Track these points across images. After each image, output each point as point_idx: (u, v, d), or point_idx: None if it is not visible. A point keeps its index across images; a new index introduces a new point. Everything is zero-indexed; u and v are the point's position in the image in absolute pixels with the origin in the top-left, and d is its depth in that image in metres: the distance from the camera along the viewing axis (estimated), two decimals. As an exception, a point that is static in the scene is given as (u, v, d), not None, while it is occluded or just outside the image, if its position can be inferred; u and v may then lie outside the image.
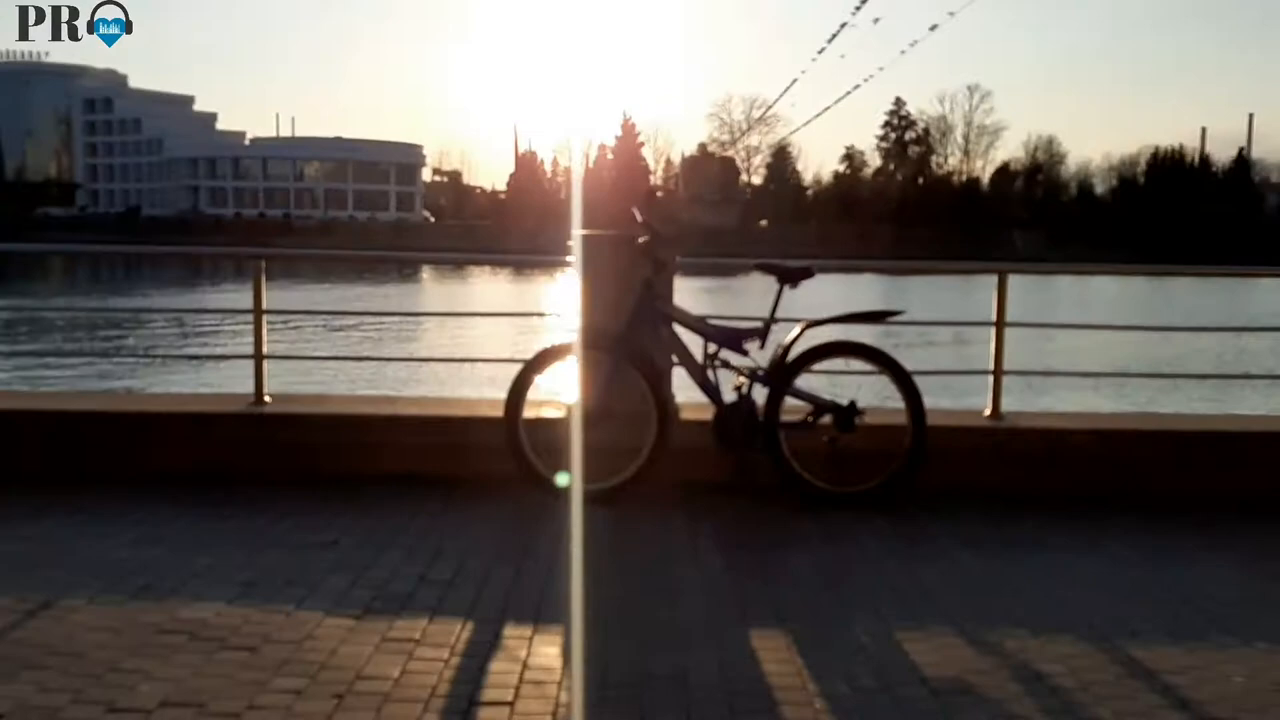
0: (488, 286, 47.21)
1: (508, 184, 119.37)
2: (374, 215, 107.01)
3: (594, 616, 3.64)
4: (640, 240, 5.32)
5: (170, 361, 19.85)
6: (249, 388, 5.91)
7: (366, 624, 3.53)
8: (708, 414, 5.31)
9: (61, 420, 5.64)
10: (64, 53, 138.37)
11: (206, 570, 4.03)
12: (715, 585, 4.06)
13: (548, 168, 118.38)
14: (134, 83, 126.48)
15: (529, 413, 5.26)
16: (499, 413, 5.22)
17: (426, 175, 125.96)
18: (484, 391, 7.28)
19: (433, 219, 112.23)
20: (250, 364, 5.91)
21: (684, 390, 5.45)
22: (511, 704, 2.98)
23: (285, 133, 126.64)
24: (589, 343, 5.30)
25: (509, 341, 17.73)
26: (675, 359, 5.38)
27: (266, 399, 5.84)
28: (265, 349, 5.88)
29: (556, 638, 3.46)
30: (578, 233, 5.55)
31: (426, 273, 56.99)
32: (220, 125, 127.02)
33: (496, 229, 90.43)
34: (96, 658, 3.18)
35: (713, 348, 5.27)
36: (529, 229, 76.70)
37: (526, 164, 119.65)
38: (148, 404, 6.19)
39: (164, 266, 52.59)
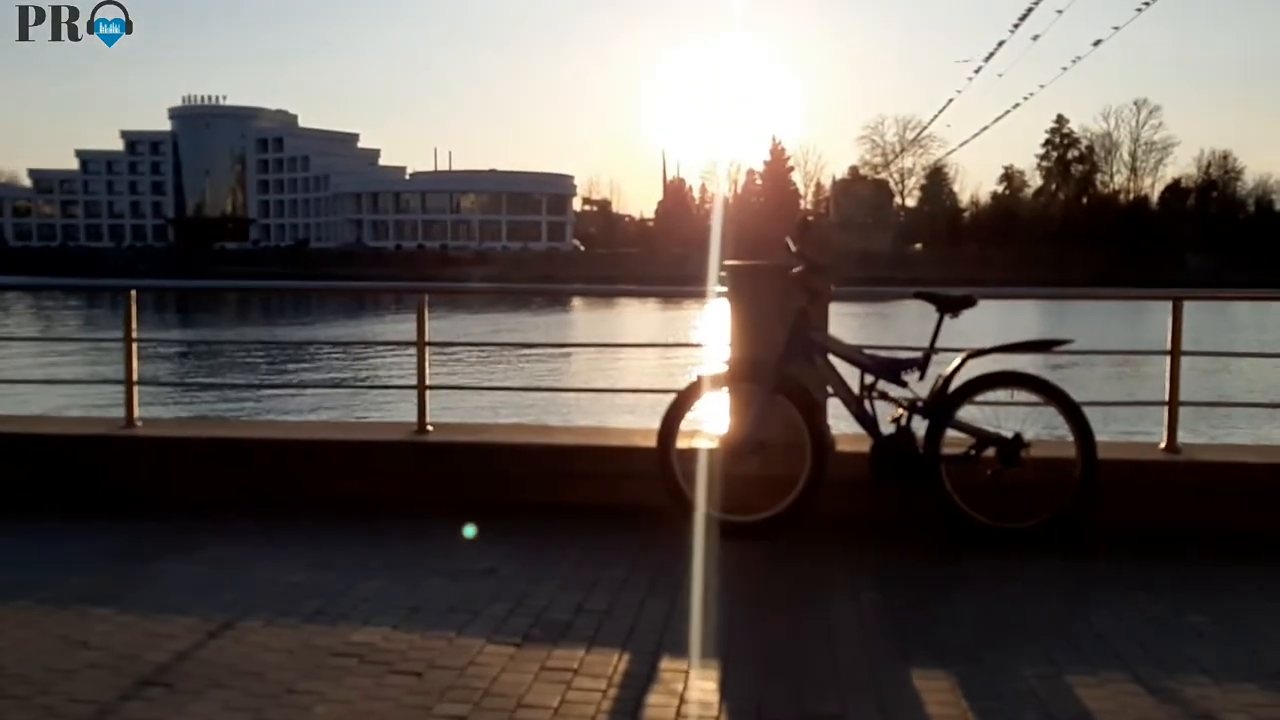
0: (636, 315, 47.74)
1: (656, 211, 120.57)
2: (526, 245, 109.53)
3: (749, 653, 3.63)
4: (795, 270, 5.29)
5: (336, 390, 20.72)
6: (409, 416, 6.12)
7: (526, 652, 3.60)
8: (865, 446, 5.23)
9: (235, 447, 5.96)
10: (241, 95, 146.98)
11: (374, 595, 4.18)
12: (873, 624, 3.99)
13: (696, 194, 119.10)
14: (303, 122, 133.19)
15: (682, 443, 5.28)
16: (653, 442, 5.26)
17: (577, 205, 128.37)
18: (637, 421, 7.34)
19: (582, 248, 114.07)
20: (413, 394, 6.13)
21: (840, 422, 5.39)
22: (670, 738, 2.99)
23: (443, 166, 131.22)
24: (742, 374, 5.30)
25: (658, 371, 17.89)
26: (830, 390, 5.32)
27: (429, 428, 6.04)
28: (427, 380, 6.09)
29: (713, 673, 3.46)
30: (728, 262, 5.58)
31: (577, 302, 57.92)
32: (382, 161, 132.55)
33: (644, 256, 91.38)
34: (274, 678, 3.34)
35: (869, 378, 5.19)
36: (676, 256, 77.19)
37: (674, 191, 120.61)
38: (315, 432, 6.47)
39: (331, 299, 55.10)
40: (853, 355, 5.28)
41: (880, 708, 3.20)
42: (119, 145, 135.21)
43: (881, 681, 3.40)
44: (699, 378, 5.32)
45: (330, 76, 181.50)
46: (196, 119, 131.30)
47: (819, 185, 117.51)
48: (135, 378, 6.27)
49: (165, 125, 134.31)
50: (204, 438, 6.22)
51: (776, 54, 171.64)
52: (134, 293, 6.27)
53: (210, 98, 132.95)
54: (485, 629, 3.80)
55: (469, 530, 5.02)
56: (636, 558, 4.73)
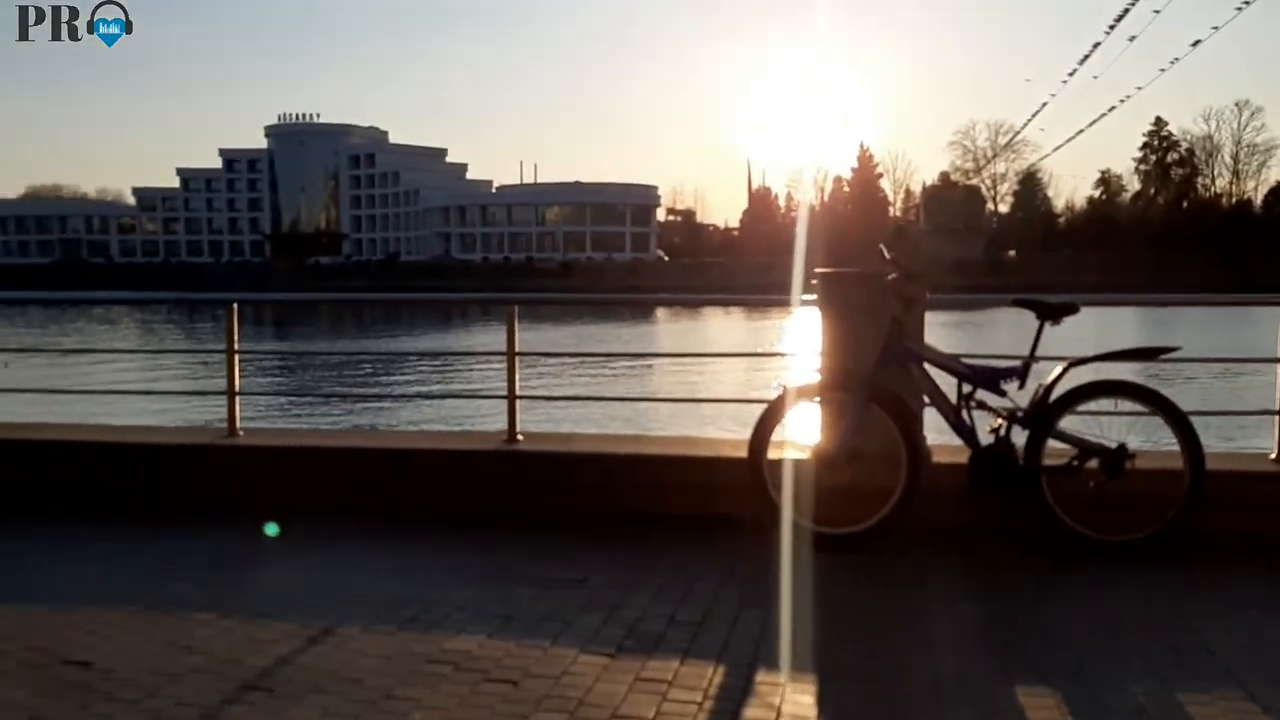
0: (721, 325, 47.62)
1: (741, 220, 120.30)
2: (610, 256, 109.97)
3: (846, 667, 3.58)
4: (889, 278, 5.22)
5: (427, 400, 21.04)
6: (497, 425, 6.18)
7: (620, 662, 3.59)
8: (962, 457, 5.12)
9: (331, 456, 6.08)
10: (333, 113, 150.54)
11: (467, 603, 4.21)
12: (973, 638, 3.90)
13: (781, 202, 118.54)
14: (393, 138, 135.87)
15: (774, 453, 5.23)
16: (743, 453, 5.22)
17: (661, 215, 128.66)
18: (723, 432, 7.31)
19: (666, 258, 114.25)
20: (502, 404, 6.18)
21: (936, 432, 5.30)
22: (766, 752, 2.95)
23: (529, 179, 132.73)
24: (835, 383, 5.24)
25: (743, 382, 17.79)
26: (927, 399, 5.23)
27: (519, 437, 6.08)
28: (517, 389, 6.13)
29: (810, 687, 3.41)
30: (820, 270, 5.52)
31: (661, 312, 57.98)
32: (469, 175, 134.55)
33: (729, 266, 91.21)
34: (373, 684, 3.39)
35: (967, 387, 5.09)
36: (761, 265, 76.87)
37: (760, 199, 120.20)
38: (407, 441, 6.58)
39: (419, 310, 56.05)
40: (950, 364, 5.18)
41: (983, 724, 3.12)
42: (218, 163, 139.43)
43: (982, 696, 3.32)
44: (790, 388, 5.28)
45: (419, 92, 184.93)
46: (291, 137, 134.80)
47: (908, 192, 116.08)
48: (237, 388, 6.43)
49: (262, 143, 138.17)
50: (301, 447, 6.35)
51: (864, 60, 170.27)
52: (236, 306, 6.44)
53: (304, 116, 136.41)
54: (579, 639, 3.81)
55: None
56: (728, 569, 4.69)
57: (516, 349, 6.12)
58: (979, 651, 3.74)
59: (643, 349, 35.99)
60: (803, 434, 5.43)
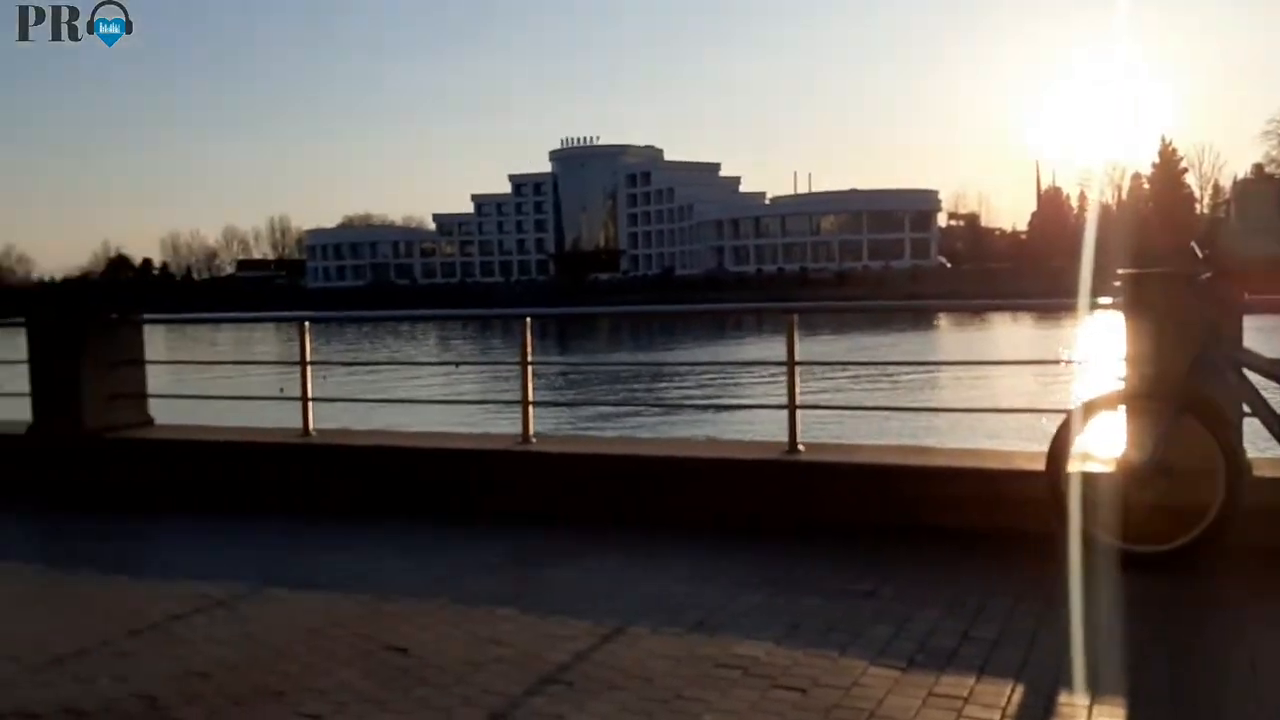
0: (1007, 332, 45.47)
1: (1030, 223, 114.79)
2: (888, 264, 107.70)
3: (1157, 690, 3.34)
4: (1202, 278, 4.83)
5: (706, 409, 21.35)
6: (775, 436, 6.19)
7: (912, 676, 3.51)
8: (1287, 471, 4.68)
9: (618, 463, 6.28)
10: (613, 134, 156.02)
11: (753, 610, 4.25)
12: (1309, 670, 3.53)
13: (1074, 203, 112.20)
14: (668, 155, 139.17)
15: (1074, 466, 4.95)
16: (1037, 465, 4.98)
17: (942, 220, 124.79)
18: (1012, 443, 6.99)
19: (948, 264, 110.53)
20: (782, 414, 6.19)
21: (1255, 444, 4.86)
22: (1072, 778, 2.80)
23: (803, 189, 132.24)
24: (1144, 391, 4.91)
25: (1032, 392, 16.92)
26: (1247, 409, 4.80)
27: (800, 448, 6.06)
28: (797, 399, 6.12)
29: (1118, 711, 3.21)
30: (1123, 271, 5.19)
31: (943, 320, 56.04)
32: (742, 188, 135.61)
33: (1016, 271, 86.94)
34: (663, 684, 3.48)
35: (1293, 395, 4.64)
36: (1053, 270, 72.82)
37: (1050, 201, 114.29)
38: (692, 450, 6.70)
39: (694, 322, 57.00)
40: (1273, 369, 4.74)
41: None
42: (508, 188, 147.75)
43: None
44: (1093, 396, 4.98)
45: (691, 109, 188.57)
46: (573, 160, 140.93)
47: (1217, 187, 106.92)
48: (531, 397, 6.78)
49: (547, 167, 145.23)
50: (589, 454, 6.61)
51: (1162, 49, 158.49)
52: (529, 320, 6.80)
53: (585, 139, 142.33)
54: (868, 650, 3.75)
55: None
56: (1025, 586, 4.48)
57: (796, 358, 6.12)
58: (1315, 686, 3.38)
59: (924, 358, 34.81)
60: (1106, 446, 5.12)
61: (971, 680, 3.46)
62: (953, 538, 5.16)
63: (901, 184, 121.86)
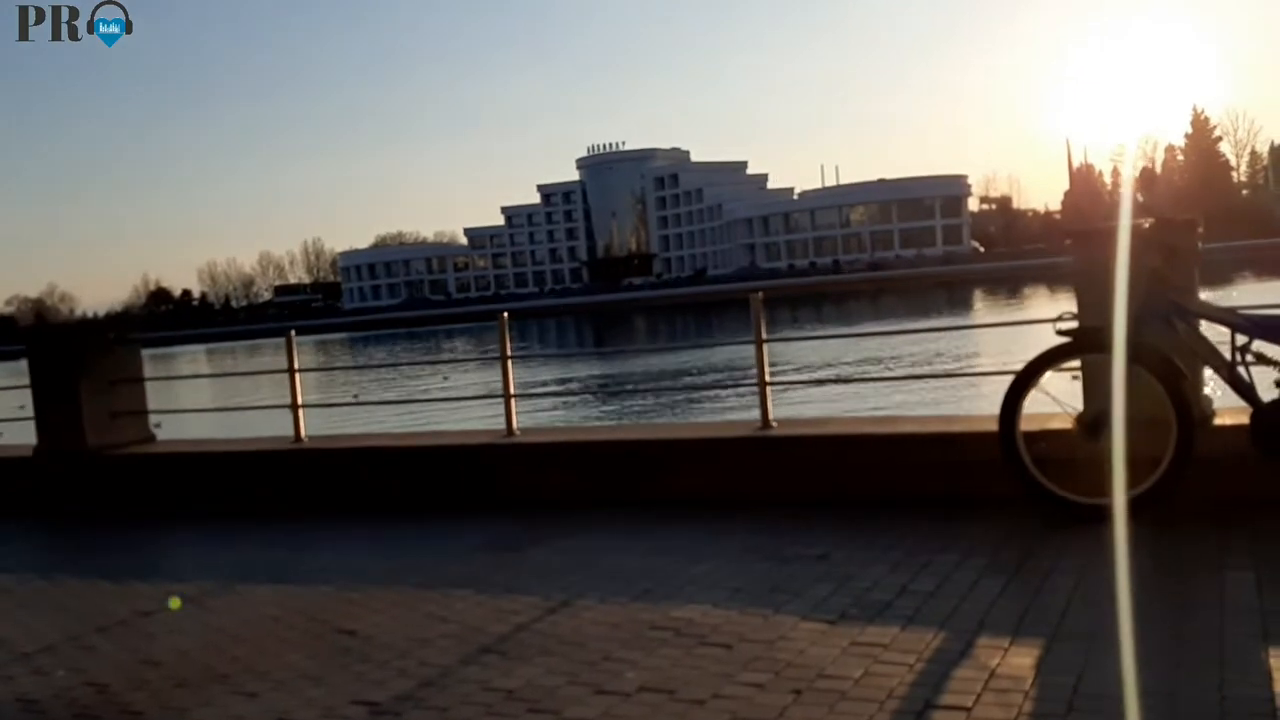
0: (1043, 310, 44.91)
1: (1062, 203, 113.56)
2: (921, 252, 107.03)
3: (1081, 631, 3.39)
4: (1145, 225, 4.85)
5: (687, 391, 21.42)
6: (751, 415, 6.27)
7: (839, 629, 3.58)
8: (1244, 418, 4.68)
9: (595, 451, 6.39)
10: (639, 139, 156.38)
11: (701, 577, 4.34)
12: (1235, 605, 3.55)
13: (1107, 179, 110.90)
14: (695, 156, 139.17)
15: (1029, 425, 4.98)
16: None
17: (973, 205, 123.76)
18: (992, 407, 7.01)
19: (982, 249, 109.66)
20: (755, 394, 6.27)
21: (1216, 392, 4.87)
22: (969, 709, 2.86)
23: (830, 182, 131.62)
24: (1089, 344, 4.92)
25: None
26: (1200, 358, 4.81)
27: (772, 424, 6.13)
28: (767, 376, 6.19)
29: (1034, 650, 3.26)
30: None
31: (980, 302, 55.50)
32: (770, 184, 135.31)
33: (1051, 252, 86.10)
34: (595, 648, 3.57)
35: (1242, 339, 4.64)
36: (1086, 248, 71.88)
37: (1082, 178, 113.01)
38: (663, 432, 6.80)
39: (728, 316, 56.99)
40: (1222, 315, 4.75)
41: (1220, 684, 2.86)
42: (536, 198, 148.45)
43: (1230, 661, 3.04)
44: (1041, 354, 5.01)
45: (716, 109, 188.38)
46: (601, 166, 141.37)
47: (1254, 154, 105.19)
48: (512, 391, 6.90)
49: (574, 175, 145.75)
50: (569, 443, 6.72)
51: (1188, 17, 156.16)
52: (505, 315, 6.93)
53: (610, 145, 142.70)
54: (803, 608, 3.83)
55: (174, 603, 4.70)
56: (976, 544, 4.53)
57: (764, 337, 6.19)
58: (1238, 617, 3.41)
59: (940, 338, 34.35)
60: (1058, 402, 5.14)
61: (896, 629, 3.53)
62: (918, 503, 5.21)
63: (930, 171, 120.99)
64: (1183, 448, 4.65)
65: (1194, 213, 5.44)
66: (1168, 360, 4.76)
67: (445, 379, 28.48)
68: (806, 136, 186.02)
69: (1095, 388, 4.90)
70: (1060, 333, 4.92)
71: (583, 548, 5.09)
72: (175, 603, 4.56)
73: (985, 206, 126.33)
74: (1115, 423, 4.67)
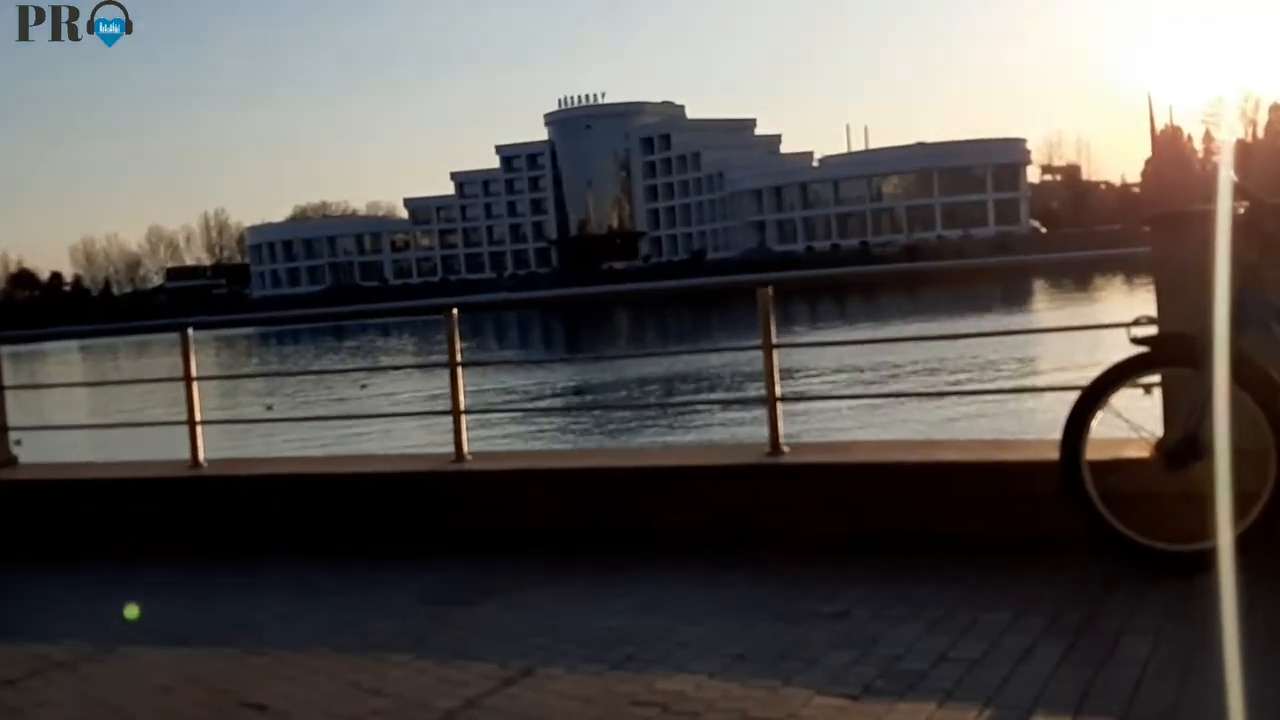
0: (1122, 306, 45.12)
1: (1143, 172, 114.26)
2: (968, 232, 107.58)
3: (1159, 709, 3.43)
4: (1239, 211, 4.90)
5: (681, 410, 21.52)
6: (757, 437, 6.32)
7: (863, 705, 3.62)
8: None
9: (563, 479, 6.43)
10: (621, 91, 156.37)
11: (695, 640, 4.38)
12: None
13: (1198, 144, 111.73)
14: (691, 113, 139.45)
15: (1097, 453, 5.03)
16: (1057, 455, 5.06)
17: (1034, 175, 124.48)
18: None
19: (1044, 229, 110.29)
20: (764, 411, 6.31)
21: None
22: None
23: (858, 146, 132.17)
24: (1170, 355, 4.97)
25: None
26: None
27: (784, 448, 6.17)
28: (778, 390, 6.23)
29: (1100, 732, 3.30)
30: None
31: (1041, 296, 55.69)
32: (784, 148, 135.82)
33: (1126, 236, 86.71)
34: (561, 728, 3.60)
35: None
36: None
37: (1167, 143, 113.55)
38: (644, 459, 6.85)
39: (729, 312, 57.16)
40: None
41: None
42: (494, 162, 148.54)
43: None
44: (1113, 365, 5.06)
45: (718, 54, 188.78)
46: (575, 123, 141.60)
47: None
48: (462, 406, 6.92)
49: (542, 135, 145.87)
50: (536, 470, 6.77)
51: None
52: (455, 311, 6.96)
53: (587, 98, 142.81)
54: (819, 679, 3.86)
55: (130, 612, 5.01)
56: (1033, 597, 4.58)
57: (775, 340, 6.23)
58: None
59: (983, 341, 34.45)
60: (1134, 426, 5.19)
61: (933, 707, 3.56)
62: (960, 545, 5.26)
63: (981, 134, 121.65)
64: (1285, 483, 4.70)
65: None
66: (1267, 376, 4.81)
67: (364, 387, 28.71)
68: (830, 90, 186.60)
69: (1178, 408, 4.95)
70: (1136, 340, 4.97)
71: (548, 602, 5.12)
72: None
73: (1048, 177, 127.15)
74: (1218, 452, 4.72)
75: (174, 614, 5.45)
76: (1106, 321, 5.50)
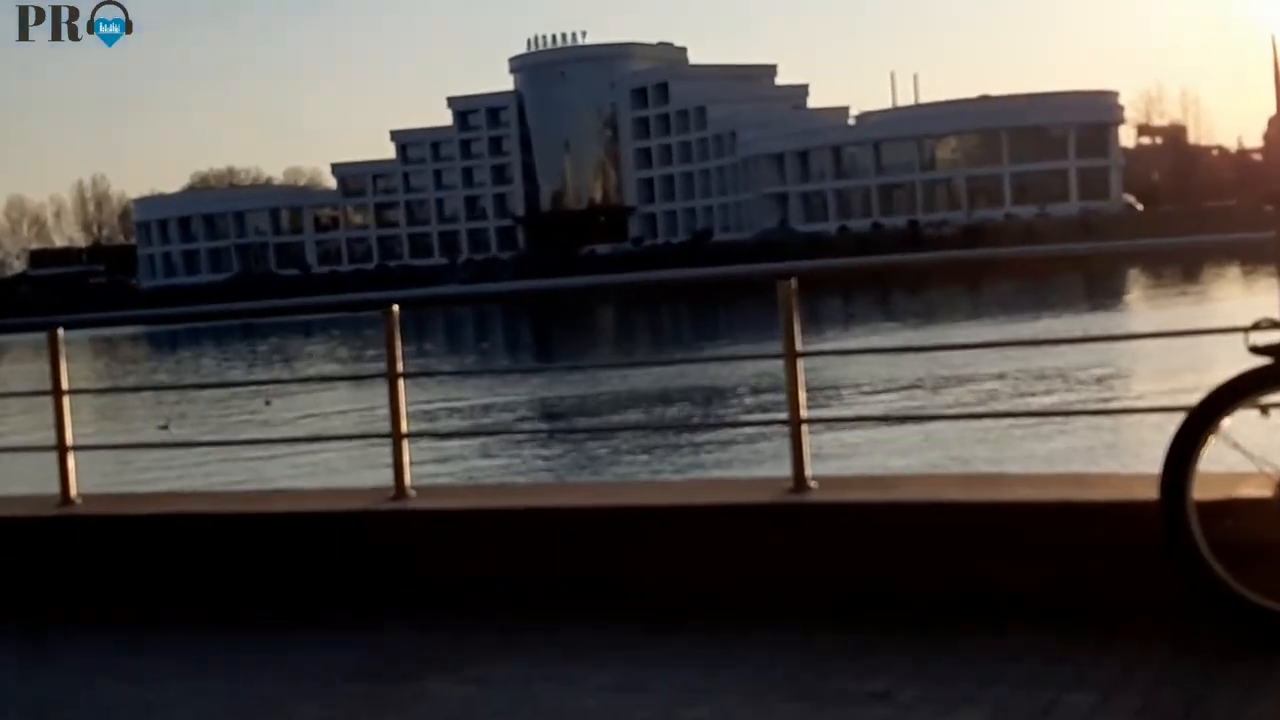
0: (1236, 300, 45.25)
1: (1265, 135, 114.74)
2: (1044, 210, 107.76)
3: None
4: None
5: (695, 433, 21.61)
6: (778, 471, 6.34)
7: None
8: None
9: (528, 520, 6.43)
10: (606, 30, 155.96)
11: (699, 727, 4.39)
12: None
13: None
14: (694, 57, 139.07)
15: (1206, 492, 5.05)
16: (1154, 493, 5.08)
17: (1128, 138, 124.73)
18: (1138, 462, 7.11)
19: (1140, 206, 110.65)
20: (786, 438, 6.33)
21: None
22: None
23: (905, 100, 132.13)
24: (1297, 371, 5.00)
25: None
26: None
27: (810, 483, 6.18)
28: (804, 409, 6.25)
29: None
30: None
31: (1136, 292, 55.72)
32: (812, 102, 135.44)
33: (1241, 218, 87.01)
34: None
35: None
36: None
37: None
38: (636, 497, 6.86)
39: (749, 312, 57.27)
40: None
41: None
42: (446, 118, 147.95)
43: None
44: (1227, 381, 5.09)
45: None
46: (548, 70, 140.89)
47: None
48: (404, 429, 6.93)
49: (507, 84, 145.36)
50: (497, 510, 6.76)
51: None
52: (396, 308, 6.98)
53: (563, 38, 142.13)
54: (850, 777, 3.88)
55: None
56: (1124, 675, 4.62)
57: (799, 347, 6.25)
58: None
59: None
60: (1253, 458, 5.22)
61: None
62: (1027, 605, 5.28)
63: (1061, 86, 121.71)
64: None
65: None
66: None
67: (268, 403, 28.73)
68: (870, 30, 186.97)
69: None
70: (1256, 350, 5.00)
71: (514, 677, 5.13)
72: None
73: (1146, 140, 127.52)
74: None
75: (38, 694, 5.44)
76: (1218, 326, 5.53)
